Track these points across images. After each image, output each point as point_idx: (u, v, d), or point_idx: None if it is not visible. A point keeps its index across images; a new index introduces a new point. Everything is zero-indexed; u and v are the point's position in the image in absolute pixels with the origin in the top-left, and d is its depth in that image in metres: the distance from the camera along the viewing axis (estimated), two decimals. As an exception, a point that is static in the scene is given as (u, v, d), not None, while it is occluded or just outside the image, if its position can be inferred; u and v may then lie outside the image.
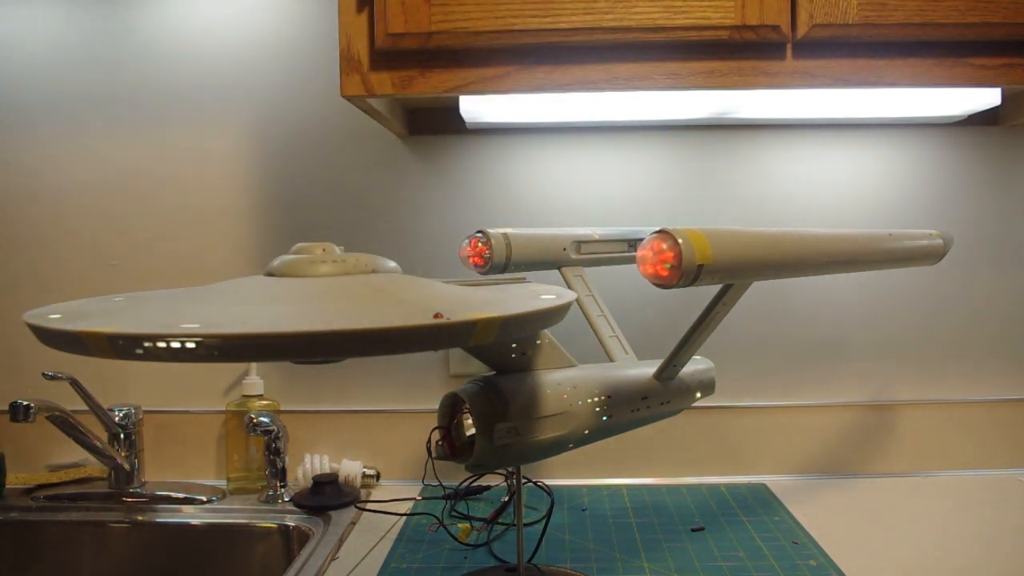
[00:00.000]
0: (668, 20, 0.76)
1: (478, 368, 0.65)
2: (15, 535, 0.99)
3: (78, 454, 1.07)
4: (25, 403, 0.89)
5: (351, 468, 1.04)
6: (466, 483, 1.00)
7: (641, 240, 0.57)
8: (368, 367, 1.08)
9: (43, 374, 0.96)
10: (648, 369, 0.72)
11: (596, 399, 0.66)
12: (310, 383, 1.09)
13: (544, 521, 0.87)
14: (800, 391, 1.08)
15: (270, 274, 0.50)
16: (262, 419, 0.98)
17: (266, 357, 0.38)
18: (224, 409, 1.07)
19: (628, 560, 0.80)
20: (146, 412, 1.07)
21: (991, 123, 1.05)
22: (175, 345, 0.37)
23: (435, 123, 1.05)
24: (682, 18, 0.76)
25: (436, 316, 0.40)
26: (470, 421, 0.62)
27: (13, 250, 1.10)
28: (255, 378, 1.05)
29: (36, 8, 1.06)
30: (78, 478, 1.06)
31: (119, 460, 1.01)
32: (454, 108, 0.94)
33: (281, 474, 1.01)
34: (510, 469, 0.92)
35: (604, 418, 0.67)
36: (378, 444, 1.08)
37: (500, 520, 0.91)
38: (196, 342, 0.36)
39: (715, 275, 0.56)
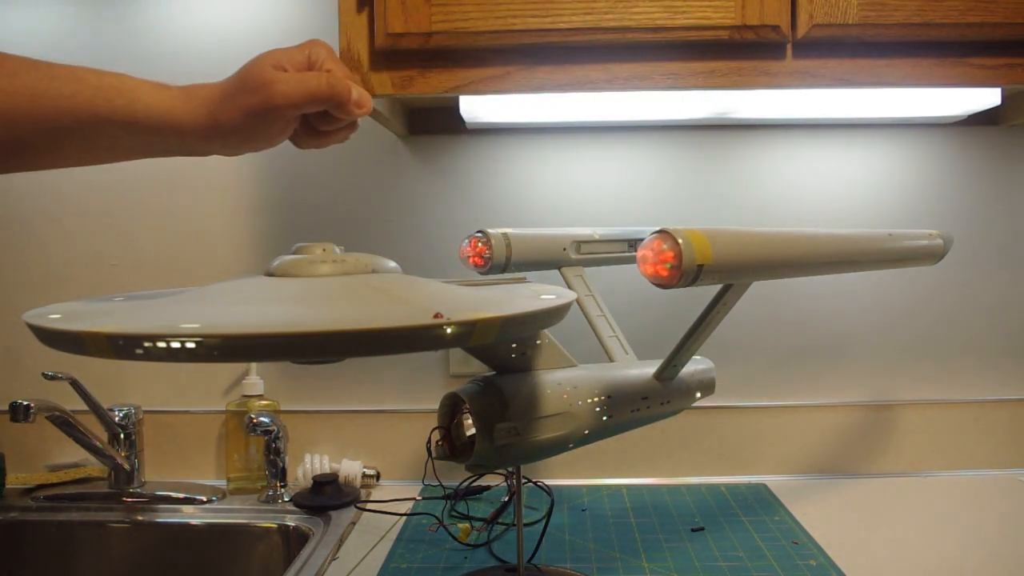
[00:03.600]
0: (668, 20, 0.76)
1: (478, 368, 0.65)
2: (15, 535, 0.99)
3: (78, 454, 1.07)
4: (25, 403, 0.89)
5: (351, 468, 1.04)
6: (466, 483, 1.00)
7: (641, 240, 0.57)
8: (368, 367, 1.08)
9: (43, 374, 0.96)
10: (648, 369, 0.72)
11: (596, 399, 0.66)
12: (310, 383, 1.09)
13: (544, 521, 0.87)
14: (800, 391, 1.08)
15: (270, 274, 0.50)
16: (262, 419, 0.98)
17: (266, 357, 0.38)
18: (224, 409, 1.07)
19: (628, 560, 0.80)
20: (146, 412, 1.07)
21: (991, 123, 1.05)
22: (175, 345, 0.36)
23: (435, 123, 1.05)
24: (682, 18, 0.76)
25: (436, 316, 0.40)
26: (470, 421, 0.62)
27: (13, 250, 1.10)
28: (255, 378, 1.05)
29: (36, 9, 1.06)
30: (78, 478, 1.06)
31: (119, 460, 1.01)
32: (454, 108, 0.94)
33: (281, 474, 1.01)
34: (510, 469, 0.92)
35: (604, 418, 0.67)
36: (378, 444, 1.08)
37: (500, 520, 0.91)
38: (196, 342, 0.36)
39: (715, 275, 0.56)
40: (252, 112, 0.53)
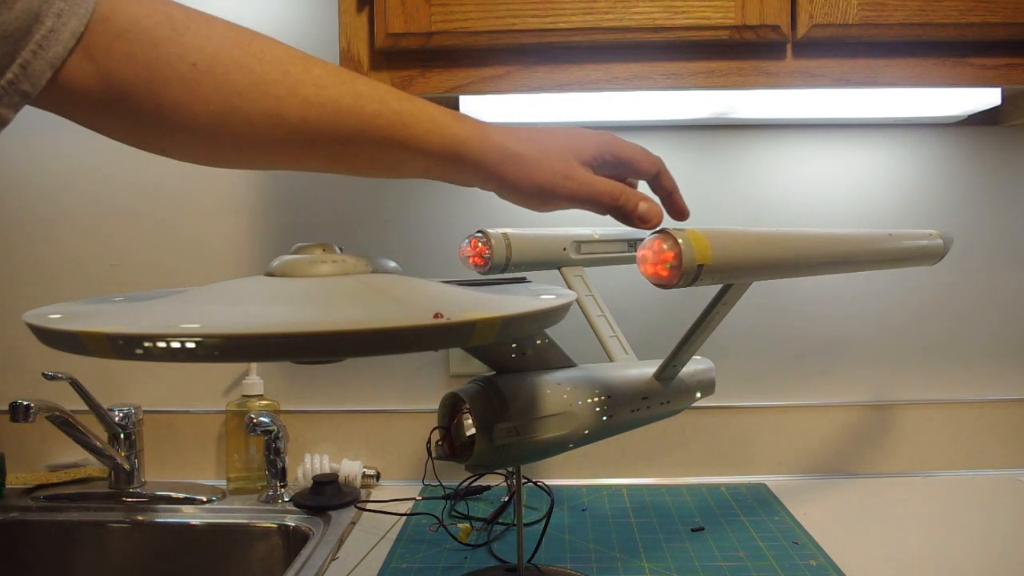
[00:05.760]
0: (668, 20, 0.76)
1: (478, 368, 0.65)
2: (15, 535, 0.99)
3: (78, 454, 1.07)
4: (25, 403, 0.88)
5: (351, 468, 1.04)
6: (466, 483, 1.00)
7: (641, 240, 0.57)
8: (368, 367, 1.08)
9: (43, 374, 0.96)
10: (648, 369, 0.72)
11: (596, 399, 0.66)
12: (310, 383, 1.09)
13: (544, 521, 0.87)
14: (800, 391, 1.08)
15: (270, 274, 0.50)
16: (262, 419, 0.98)
17: (266, 357, 0.38)
18: (224, 409, 1.07)
19: (628, 560, 0.80)
20: (146, 412, 1.07)
21: (991, 123, 1.05)
22: (175, 345, 0.36)
23: (435, 123, 1.05)
24: (682, 18, 0.76)
25: (436, 316, 0.40)
26: (470, 421, 0.62)
27: (13, 250, 1.10)
28: (255, 378, 1.05)
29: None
30: (78, 478, 1.06)
31: (119, 460, 1.01)
32: (454, 108, 0.94)
33: (281, 474, 1.01)
34: (510, 469, 0.92)
35: (604, 418, 0.67)
36: (378, 444, 1.08)
37: (500, 520, 0.91)
38: (196, 342, 0.36)
39: (715, 275, 0.56)
40: (535, 184, 0.55)
